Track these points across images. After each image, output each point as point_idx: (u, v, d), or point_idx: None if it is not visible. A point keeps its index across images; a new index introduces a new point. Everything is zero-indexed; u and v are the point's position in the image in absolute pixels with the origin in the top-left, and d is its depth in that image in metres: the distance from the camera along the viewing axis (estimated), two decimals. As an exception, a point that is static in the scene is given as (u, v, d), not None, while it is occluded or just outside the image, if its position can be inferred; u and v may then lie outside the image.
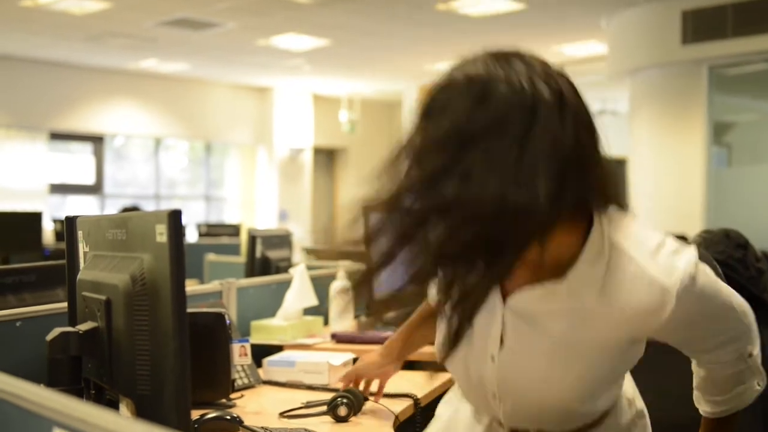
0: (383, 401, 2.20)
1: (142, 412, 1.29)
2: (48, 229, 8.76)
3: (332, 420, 2.00)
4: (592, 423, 1.45)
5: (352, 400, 2.02)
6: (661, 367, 1.72)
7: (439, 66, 11.06)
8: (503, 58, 1.23)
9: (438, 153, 1.17)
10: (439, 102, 1.21)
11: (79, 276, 1.55)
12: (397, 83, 12.53)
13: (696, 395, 1.61)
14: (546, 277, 1.32)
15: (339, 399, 2.01)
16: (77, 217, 1.63)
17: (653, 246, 1.30)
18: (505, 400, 1.42)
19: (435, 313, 1.49)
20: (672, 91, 8.11)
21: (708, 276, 1.35)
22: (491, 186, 1.14)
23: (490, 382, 1.41)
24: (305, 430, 1.77)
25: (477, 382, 1.44)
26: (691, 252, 1.31)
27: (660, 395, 1.71)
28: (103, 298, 1.38)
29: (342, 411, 2.00)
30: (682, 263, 1.29)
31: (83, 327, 1.43)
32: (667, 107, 8.14)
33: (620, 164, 9.14)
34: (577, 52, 10.14)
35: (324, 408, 2.04)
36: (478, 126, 1.16)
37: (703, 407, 1.60)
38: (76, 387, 1.45)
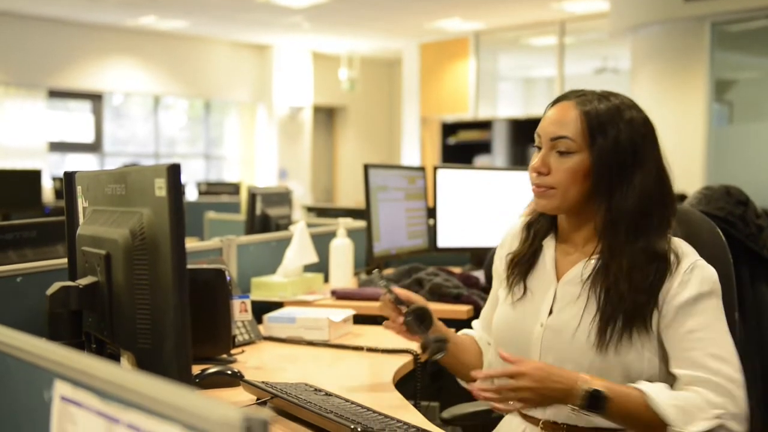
0: (383, 356, 2.21)
1: (142, 365, 1.30)
2: (48, 187, 8.76)
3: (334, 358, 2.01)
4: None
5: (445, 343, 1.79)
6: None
7: (439, 24, 10.99)
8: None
9: None
10: None
11: (79, 231, 1.55)
12: (397, 41, 12.44)
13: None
14: (592, 253, 1.67)
15: (441, 344, 1.76)
16: (76, 172, 1.62)
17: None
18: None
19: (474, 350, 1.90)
20: (674, 48, 8.05)
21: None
22: None
23: (535, 345, 1.67)
24: (306, 384, 1.78)
25: (523, 348, 1.69)
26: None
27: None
28: (103, 252, 1.38)
29: (439, 356, 1.78)
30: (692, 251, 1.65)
31: (83, 281, 1.43)
32: (669, 64, 8.09)
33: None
34: (578, 9, 10.04)
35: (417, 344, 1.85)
36: None
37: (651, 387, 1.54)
38: (76, 341, 1.46)
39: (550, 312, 1.68)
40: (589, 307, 1.62)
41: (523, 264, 1.77)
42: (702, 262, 1.63)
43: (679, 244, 1.64)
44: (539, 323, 1.68)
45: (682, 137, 7.92)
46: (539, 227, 1.79)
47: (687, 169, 7.79)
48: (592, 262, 1.65)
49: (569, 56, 10.96)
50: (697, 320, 1.56)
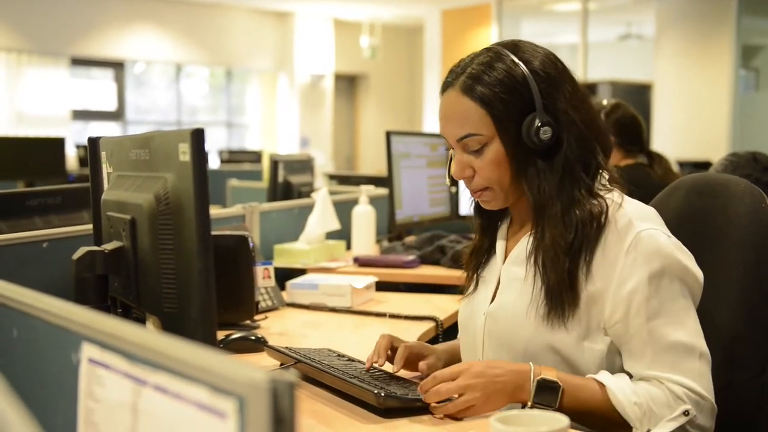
0: (406, 323, 2.22)
1: (168, 329, 1.30)
2: (71, 155, 8.79)
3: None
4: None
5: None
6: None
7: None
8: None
9: None
10: None
11: (104, 196, 1.55)
12: (419, 8, 12.33)
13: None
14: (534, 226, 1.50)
15: None
16: (100, 137, 1.63)
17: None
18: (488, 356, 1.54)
19: None
20: (699, 13, 7.94)
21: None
22: None
23: (479, 337, 1.55)
24: (329, 350, 1.79)
25: (471, 344, 1.59)
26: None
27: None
28: (128, 217, 1.38)
29: None
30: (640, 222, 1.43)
31: (109, 246, 1.44)
32: (695, 30, 7.98)
33: (645, 89, 9.02)
34: (603, -26, 9.93)
35: None
36: None
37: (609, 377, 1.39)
38: (102, 305, 1.47)
39: (493, 299, 1.55)
40: (529, 283, 1.47)
41: (478, 256, 1.63)
42: (650, 232, 1.41)
43: (623, 209, 1.44)
44: (482, 313, 1.55)
45: (707, 104, 7.83)
46: (492, 214, 1.62)
47: (712, 136, 7.72)
48: (533, 235, 1.50)
49: (593, 22, 10.83)
50: (649, 308, 1.37)
